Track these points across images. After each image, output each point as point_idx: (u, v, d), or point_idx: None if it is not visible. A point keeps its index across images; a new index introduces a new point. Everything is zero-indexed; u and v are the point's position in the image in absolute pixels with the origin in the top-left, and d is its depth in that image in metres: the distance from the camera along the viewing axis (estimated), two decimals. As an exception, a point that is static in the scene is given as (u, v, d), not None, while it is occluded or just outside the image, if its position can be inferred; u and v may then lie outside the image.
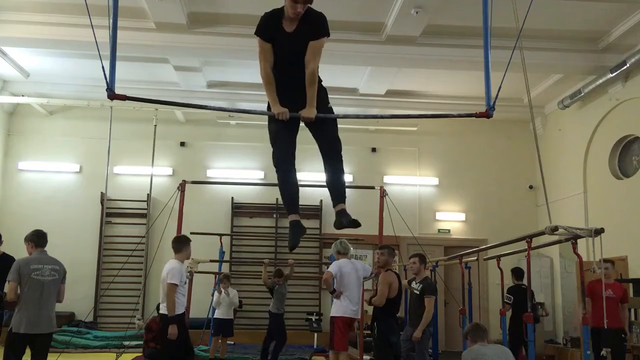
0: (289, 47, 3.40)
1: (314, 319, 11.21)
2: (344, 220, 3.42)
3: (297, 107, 3.39)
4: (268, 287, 8.51)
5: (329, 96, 3.68)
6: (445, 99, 11.61)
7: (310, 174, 10.32)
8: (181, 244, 6.32)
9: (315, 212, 12.03)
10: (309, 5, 3.32)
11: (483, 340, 4.55)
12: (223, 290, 8.57)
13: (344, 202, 3.54)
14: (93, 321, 11.01)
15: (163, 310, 6.11)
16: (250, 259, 11.64)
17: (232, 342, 10.31)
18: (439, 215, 12.46)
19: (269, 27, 3.42)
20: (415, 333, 6.55)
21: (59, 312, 10.41)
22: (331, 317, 6.66)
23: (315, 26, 3.38)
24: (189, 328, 6.67)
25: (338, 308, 6.56)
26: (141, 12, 8.49)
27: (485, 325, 4.87)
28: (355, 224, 3.41)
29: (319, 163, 3.54)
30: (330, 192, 3.58)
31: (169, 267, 6.10)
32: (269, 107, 3.47)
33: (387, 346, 6.28)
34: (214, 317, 8.66)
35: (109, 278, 10.30)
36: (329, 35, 3.45)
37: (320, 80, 3.55)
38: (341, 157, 3.58)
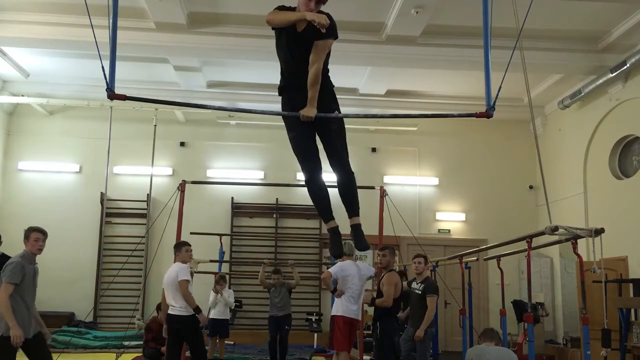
0: (298, 46, 3.43)
1: (314, 319, 11.21)
2: (360, 244, 3.43)
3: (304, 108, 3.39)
4: (265, 287, 8.58)
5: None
6: (445, 99, 11.61)
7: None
8: (175, 248, 6.67)
9: (315, 212, 11.96)
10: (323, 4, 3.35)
11: (491, 341, 4.57)
12: (218, 292, 8.57)
13: (357, 214, 3.49)
14: (93, 321, 11.01)
15: (172, 310, 6.27)
16: (250, 259, 11.64)
17: (232, 342, 10.31)
18: (439, 215, 12.45)
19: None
20: (418, 332, 6.55)
21: (59, 312, 10.75)
22: (332, 316, 6.66)
23: None
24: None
25: (338, 307, 6.55)
26: (141, 12, 8.50)
27: (497, 330, 4.93)
28: (365, 249, 3.50)
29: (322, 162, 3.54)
30: (343, 202, 3.53)
31: (176, 268, 6.37)
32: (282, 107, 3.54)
33: (391, 346, 6.28)
34: (210, 317, 8.64)
35: (108, 278, 10.31)
36: (335, 37, 3.45)
37: (331, 85, 3.60)
38: (348, 165, 3.49)
